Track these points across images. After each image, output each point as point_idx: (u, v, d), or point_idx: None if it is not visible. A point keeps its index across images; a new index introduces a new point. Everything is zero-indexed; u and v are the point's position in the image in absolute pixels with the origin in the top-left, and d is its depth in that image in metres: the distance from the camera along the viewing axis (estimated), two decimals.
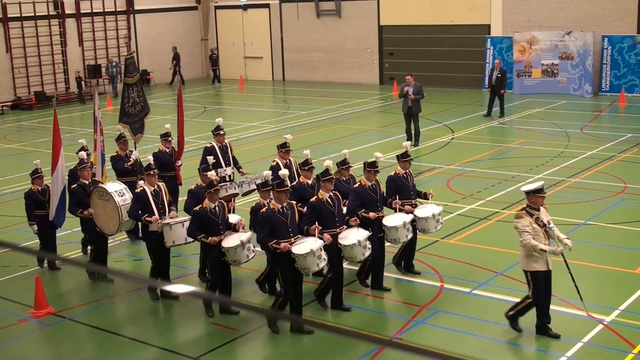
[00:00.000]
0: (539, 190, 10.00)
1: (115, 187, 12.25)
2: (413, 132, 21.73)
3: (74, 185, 12.60)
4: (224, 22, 40.48)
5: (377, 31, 35.39)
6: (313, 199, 10.91)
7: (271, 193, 10.92)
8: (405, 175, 12.15)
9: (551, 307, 11.13)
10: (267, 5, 38.55)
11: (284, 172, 11.24)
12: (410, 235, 11.67)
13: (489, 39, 32.17)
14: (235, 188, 13.25)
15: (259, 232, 10.47)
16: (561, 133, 23.12)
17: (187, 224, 11.19)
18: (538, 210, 9.97)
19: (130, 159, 14.06)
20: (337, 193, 11.09)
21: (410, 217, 11.68)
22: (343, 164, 12.23)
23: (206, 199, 10.94)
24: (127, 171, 13.96)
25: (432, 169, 19.17)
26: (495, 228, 14.64)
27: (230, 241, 10.79)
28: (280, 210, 10.39)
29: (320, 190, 10.97)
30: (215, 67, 38.25)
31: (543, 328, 10.11)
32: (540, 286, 9.95)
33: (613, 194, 16.51)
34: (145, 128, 15.82)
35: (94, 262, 12.74)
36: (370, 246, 10.88)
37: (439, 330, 10.69)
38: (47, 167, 13.68)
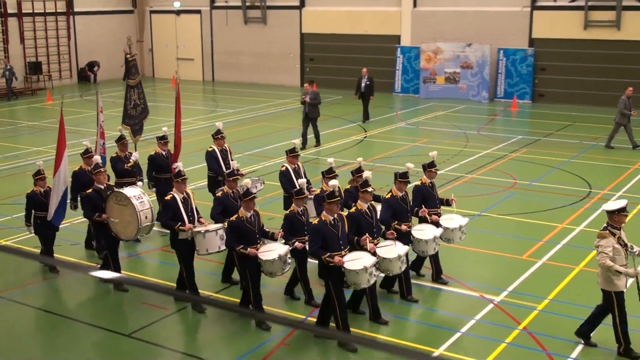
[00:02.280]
0: (623, 209, 9.04)
1: (133, 192, 11.12)
2: (314, 134, 21.40)
3: (89, 190, 11.39)
4: (158, 25, 39.78)
5: (299, 38, 35.35)
6: (352, 209, 10.05)
7: (305, 200, 10.34)
8: (431, 185, 11.35)
9: (448, 288, 11.41)
10: (198, 11, 38.07)
11: (302, 181, 10.81)
12: (437, 248, 10.90)
13: (399, 48, 32.49)
14: (254, 188, 12.32)
15: (310, 245, 9.51)
16: (461, 134, 23.53)
17: (220, 232, 10.35)
18: (619, 229, 9.09)
19: (130, 160, 13.16)
20: (374, 204, 10.30)
21: (440, 230, 10.85)
22: (358, 172, 11.49)
23: (241, 208, 9.91)
24: (126, 172, 13.03)
25: (346, 164, 19.26)
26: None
27: (269, 254, 9.84)
28: (332, 222, 9.45)
29: (359, 201, 10.03)
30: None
31: (586, 335, 9.51)
32: (623, 305, 9.14)
33: (505, 188, 16.91)
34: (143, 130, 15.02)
35: (114, 270, 11.32)
36: (406, 260, 10.19)
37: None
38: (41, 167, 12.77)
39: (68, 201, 12.21)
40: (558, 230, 14.13)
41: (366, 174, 10.42)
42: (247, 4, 36.30)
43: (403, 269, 10.05)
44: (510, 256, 12.57)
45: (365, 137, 23.15)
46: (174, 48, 39.46)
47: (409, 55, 32.20)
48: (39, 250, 12.20)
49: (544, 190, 16.86)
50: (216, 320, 10.47)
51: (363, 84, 25.09)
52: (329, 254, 9.29)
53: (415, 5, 32.17)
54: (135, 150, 14.04)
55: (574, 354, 9.32)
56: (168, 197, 10.56)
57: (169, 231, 10.85)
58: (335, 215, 9.49)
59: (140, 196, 11.08)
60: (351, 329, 9.70)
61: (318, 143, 21.51)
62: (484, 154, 20.31)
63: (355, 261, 9.35)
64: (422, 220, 11.06)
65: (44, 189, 11.89)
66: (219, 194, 11.23)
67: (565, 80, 29.44)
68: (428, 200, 11.19)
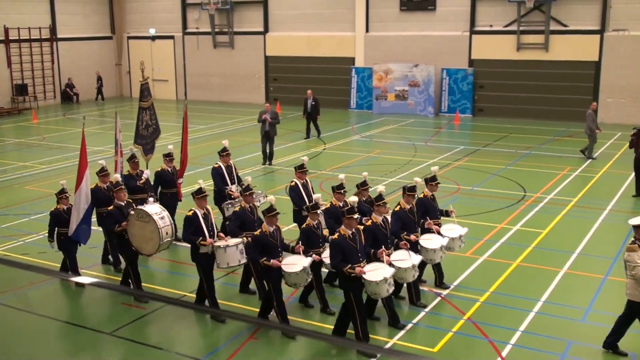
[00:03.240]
0: None
1: (155, 210, 10.63)
2: (268, 152, 20.59)
3: (110, 207, 10.96)
4: (135, 50, 39.36)
5: (263, 60, 35.29)
6: (368, 222, 9.63)
7: (319, 214, 9.97)
8: (432, 197, 10.99)
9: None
10: (172, 37, 37.77)
11: (317, 196, 10.39)
12: (444, 257, 10.62)
13: (354, 69, 32.63)
14: (258, 202, 11.94)
15: (332, 258, 9.08)
16: (410, 145, 23.67)
17: (240, 246, 9.94)
18: None
19: (142, 177, 12.70)
20: (387, 217, 9.86)
21: (446, 240, 10.56)
22: (363, 185, 11.17)
23: (264, 223, 9.58)
24: (138, 189, 12.43)
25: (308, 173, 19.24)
26: None
27: (293, 267, 9.49)
28: (351, 236, 9.06)
29: (374, 214, 9.66)
30: (99, 87, 37.55)
31: (614, 345, 9.09)
32: None
33: (450, 193, 17.04)
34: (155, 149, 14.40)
35: (135, 283, 10.86)
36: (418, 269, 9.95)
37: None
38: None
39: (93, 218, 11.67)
40: (497, 229, 14.28)
41: (380, 188, 10.01)
42: (216, 30, 36.18)
43: (416, 276, 9.89)
44: (455, 254, 12.65)
45: (324, 149, 23.16)
46: (150, 70, 39.08)
47: (363, 75, 32.35)
48: (60, 265, 11.74)
49: (484, 194, 17.03)
50: (184, 317, 10.33)
51: (309, 104, 24.33)
52: (349, 265, 8.94)
53: (367, 30, 32.36)
54: (147, 168, 13.56)
55: (513, 341, 9.41)
56: (190, 213, 10.08)
57: (189, 245, 10.29)
58: (354, 229, 9.12)
59: (161, 213, 10.61)
60: (370, 335, 9.46)
61: (270, 162, 20.58)
62: (431, 162, 20.44)
63: (374, 272, 9.06)
64: (425, 230, 10.73)
65: (67, 206, 11.33)
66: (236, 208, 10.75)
67: (501, 96, 29.85)
68: (430, 212, 10.87)
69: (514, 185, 17.72)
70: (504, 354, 9.03)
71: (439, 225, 10.91)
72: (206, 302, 10.24)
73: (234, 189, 12.79)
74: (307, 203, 11.39)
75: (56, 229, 11.35)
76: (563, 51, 28.32)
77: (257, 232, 9.59)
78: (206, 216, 10.14)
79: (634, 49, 27.09)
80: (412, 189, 10.48)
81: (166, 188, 13.25)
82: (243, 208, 10.50)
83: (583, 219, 14.96)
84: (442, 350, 8.98)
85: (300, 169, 12.06)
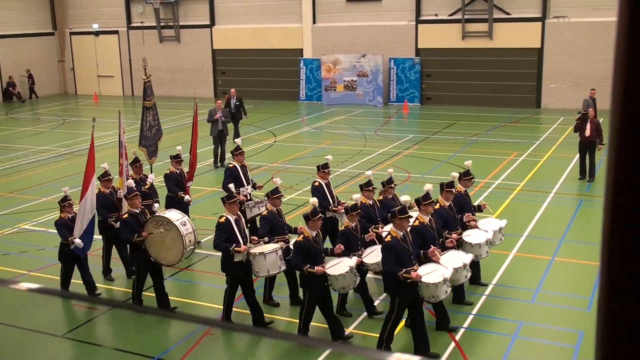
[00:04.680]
0: None
1: (176, 216, 9.97)
2: (220, 153, 19.47)
3: (125, 215, 10.15)
4: (78, 46, 38.52)
5: (211, 54, 34.96)
6: (416, 222, 9.00)
7: (354, 216, 9.36)
8: (465, 193, 10.62)
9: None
10: (116, 32, 37.08)
11: (357, 196, 9.81)
12: (489, 252, 10.08)
13: (302, 60, 32.59)
14: (260, 207, 11.47)
15: (385, 263, 8.45)
16: (360, 135, 23.79)
17: (279, 252, 9.29)
18: None
19: (147, 182, 11.89)
20: (432, 218, 9.35)
21: (491, 233, 10.02)
22: (389, 183, 10.72)
23: (306, 228, 8.94)
24: (144, 195, 11.28)
25: (260, 166, 19.18)
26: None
27: (338, 268, 8.89)
28: (402, 237, 8.49)
29: (420, 214, 9.14)
30: (31, 85, 36.33)
31: None
32: None
33: (400, 182, 17.17)
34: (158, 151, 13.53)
35: (137, 296, 10.20)
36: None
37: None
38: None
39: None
40: None
41: (427, 186, 9.41)
42: (162, 24, 35.65)
43: (468, 276, 9.39)
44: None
45: (275, 142, 23.09)
46: (95, 66, 38.31)
47: (311, 67, 32.33)
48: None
49: (435, 181, 17.10)
50: (138, 317, 10.19)
51: (232, 105, 22.03)
52: (404, 269, 8.31)
53: (314, 21, 32.34)
54: (152, 172, 12.80)
55: (466, 324, 9.55)
56: (222, 220, 9.37)
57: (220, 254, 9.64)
58: (406, 231, 8.55)
59: (184, 221, 9.95)
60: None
61: (222, 163, 19.25)
62: (381, 152, 20.60)
63: (431, 274, 8.49)
64: (464, 227, 10.25)
65: (72, 215, 10.51)
66: (264, 212, 10.10)
67: (448, 85, 30.23)
68: (464, 208, 10.45)
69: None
70: (457, 337, 9.17)
71: (475, 220, 10.48)
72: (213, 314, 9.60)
73: (249, 189, 12.07)
74: (332, 203, 10.99)
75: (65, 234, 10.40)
76: (506, 39, 28.82)
77: (299, 238, 8.93)
78: (238, 222, 9.51)
79: (574, 35, 27.75)
80: (450, 184, 10.07)
81: (174, 192, 12.40)
82: (271, 212, 9.90)
83: (530, 202, 15.29)
84: (397, 338, 9.05)
85: (324, 168, 11.45)
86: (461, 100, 29.86)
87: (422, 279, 8.36)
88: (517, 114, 27.18)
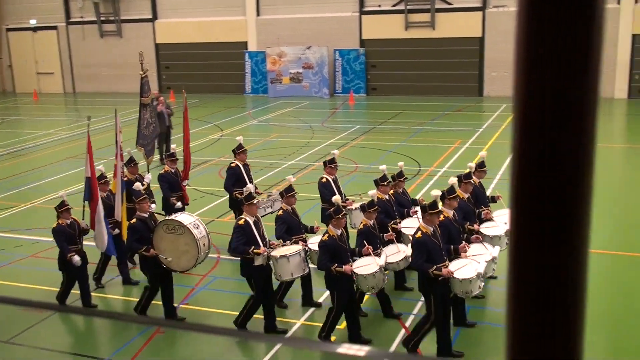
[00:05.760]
0: None
1: (189, 219, 9.42)
2: (165, 149, 18.11)
3: (133, 220, 9.48)
4: (15, 42, 37.40)
5: (154, 48, 34.40)
6: (441, 217, 8.58)
7: (373, 214, 8.92)
8: (480, 184, 10.34)
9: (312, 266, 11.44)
10: (55, 27, 36.13)
11: (373, 192, 9.40)
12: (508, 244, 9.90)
13: (247, 53, 32.38)
14: (270, 207, 11.01)
15: (416, 259, 8.13)
16: (307, 127, 23.79)
17: (302, 253, 8.93)
18: None
19: (144, 182, 11.14)
20: (455, 212, 9.05)
21: (507, 225, 9.72)
22: (400, 176, 10.40)
23: (330, 227, 8.51)
24: (140, 196, 10.30)
25: (206, 161, 19.00)
26: None
27: (366, 269, 8.53)
28: (432, 233, 8.20)
29: (445, 209, 8.75)
30: None
31: None
32: None
33: (348, 172, 17.26)
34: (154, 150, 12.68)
35: (143, 307, 9.61)
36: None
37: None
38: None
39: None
40: None
41: (452, 180, 9.17)
42: (102, 18, 34.90)
43: (495, 270, 9.01)
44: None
45: (221, 136, 22.89)
46: (33, 63, 37.27)
47: (256, 59, 32.16)
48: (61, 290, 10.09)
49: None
50: (87, 318, 10.00)
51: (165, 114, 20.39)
52: (435, 266, 8.02)
53: (258, 14, 32.15)
54: (148, 172, 12.13)
55: (415, 310, 9.66)
56: (241, 222, 8.91)
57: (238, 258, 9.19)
58: (435, 226, 8.27)
59: (196, 223, 9.41)
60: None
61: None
62: (328, 143, 20.65)
63: (463, 269, 8.20)
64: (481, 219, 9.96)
65: (70, 220, 9.77)
66: (279, 212, 9.63)
67: (393, 75, 30.47)
68: (480, 199, 10.18)
69: (410, 161, 18.16)
70: (407, 324, 9.27)
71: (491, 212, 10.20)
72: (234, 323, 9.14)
73: (252, 189, 11.16)
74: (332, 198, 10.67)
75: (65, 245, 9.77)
76: (448, 28, 29.19)
77: (324, 237, 8.51)
78: (257, 224, 9.02)
79: (514, 24, 28.21)
80: (468, 176, 9.87)
81: (171, 191, 11.79)
82: (286, 211, 9.51)
83: None
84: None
85: (331, 164, 11.08)
86: (406, 90, 30.13)
87: (456, 275, 8.08)
88: (460, 102, 27.59)
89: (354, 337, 8.67)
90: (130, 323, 9.68)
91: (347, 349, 1.68)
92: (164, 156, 18.44)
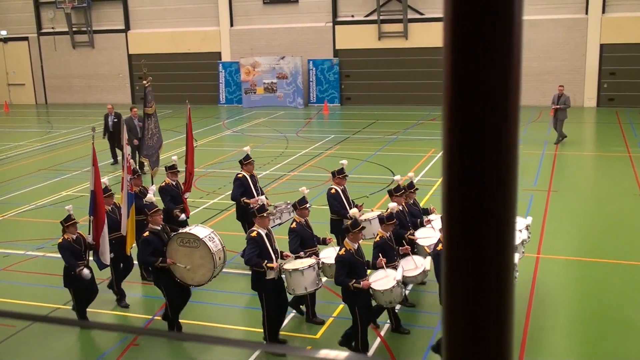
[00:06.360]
0: None
1: (204, 232, 9.18)
2: (138, 160, 17.50)
3: (146, 233, 9.22)
4: None
5: (127, 59, 34.20)
6: (377, 238, 8.78)
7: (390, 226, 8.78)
8: (414, 203, 10.50)
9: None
10: (25, 38, 35.74)
11: (393, 205, 9.29)
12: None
13: (221, 64, 32.33)
14: (278, 218, 10.74)
15: (438, 271, 7.86)
16: (282, 137, 23.79)
17: (316, 267, 8.73)
18: None
19: (148, 194, 10.68)
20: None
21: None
22: (410, 187, 10.30)
23: (347, 240, 8.35)
24: (143, 208, 10.13)
25: (180, 172, 18.84)
26: (233, 216, 14.70)
27: (384, 282, 8.31)
28: (356, 250, 8.24)
29: (381, 230, 8.84)
30: None
31: None
32: None
33: (323, 182, 17.27)
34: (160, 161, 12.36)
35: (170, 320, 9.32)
36: None
37: None
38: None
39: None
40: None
41: (397, 177, 9.34)
42: (74, 29, 34.62)
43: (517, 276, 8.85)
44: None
45: (195, 146, 22.74)
46: (4, 74, 36.80)
47: (230, 70, 32.12)
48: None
49: (357, 180, 17.41)
50: (61, 330, 9.86)
51: (110, 122, 19.67)
52: (355, 280, 8.09)
53: (232, 24, 32.14)
54: (152, 184, 11.79)
55: (386, 318, 9.69)
56: (254, 234, 8.72)
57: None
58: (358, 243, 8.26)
59: (211, 236, 9.19)
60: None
61: (143, 170, 17.77)
62: (303, 153, 20.66)
63: (381, 281, 8.29)
64: None
65: (75, 235, 9.44)
66: (293, 225, 9.42)
67: (367, 84, 30.64)
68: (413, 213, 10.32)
69: (384, 170, 18.25)
70: (382, 333, 9.28)
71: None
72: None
73: (263, 200, 10.94)
74: (349, 211, 10.42)
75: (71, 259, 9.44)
76: (421, 38, 29.45)
77: (341, 252, 8.33)
78: (269, 236, 8.87)
79: None
80: (398, 189, 9.95)
81: (170, 209, 11.41)
82: (300, 223, 9.34)
83: None
84: (324, 336, 9.09)
85: (340, 174, 10.92)
86: (380, 100, 30.30)
87: (375, 287, 8.13)
88: (434, 111, 27.80)
89: (365, 350, 8.44)
90: (109, 333, 9.55)
91: (325, 355, 1.69)
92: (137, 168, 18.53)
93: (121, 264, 10.45)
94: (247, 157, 11.77)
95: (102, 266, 9.88)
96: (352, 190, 16.35)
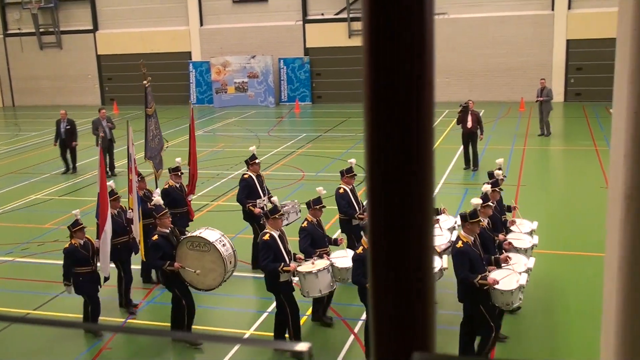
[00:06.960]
0: None
1: (214, 236, 9.05)
2: (108, 163, 17.84)
3: (155, 237, 9.06)
4: None
5: (95, 59, 33.85)
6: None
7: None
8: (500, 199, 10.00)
9: (252, 274, 11.41)
10: None
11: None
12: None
13: (191, 64, 32.16)
14: (285, 219, 10.47)
15: (460, 270, 7.87)
16: (253, 136, 23.76)
17: (330, 268, 8.64)
18: None
19: (153, 198, 10.55)
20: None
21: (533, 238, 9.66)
22: (495, 185, 9.75)
23: (364, 239, 8.06)
24: (149, 212, 10.01)
25: (152, 173, 18.73)
26: (207, 217, 14.70)
27: (507, 283, 8.07)
28: (473, 242, 7.98)
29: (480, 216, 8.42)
30: None
31: None
32: None
33: (296, 180, 17.32)
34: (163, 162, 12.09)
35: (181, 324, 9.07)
36: None
37: None
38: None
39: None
40: None
41: (485, 187, 9.09)
42: (41, 30, 34.17)
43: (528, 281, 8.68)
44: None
45: (167, 147, 22.62)
46: None
47: (201, 69, 31.96)
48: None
49: (328, 179, 17.45)
50: (37, 334, 9.76)
51: (62, 129, 18.96)
52: (480, 276, 7.81)
53: (202, 24, 31.98)
54: (157, 187, 11.48)
55: (364, 316, 9.75)
56: (267, 237, 8.59)
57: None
58: (475, 235, 8.01)
59: (222, 240, 9.06)
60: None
61: (113, 172, 18.15)
62: (275, 152, 20.66)
63: (503, 281, 7.94)
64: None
65: (83, 240, 9.24)
66: (304, 224, 9.33)
67: (338, 82, 30.71)
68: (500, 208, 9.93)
69: (356, 168, 18.27)
70: (356, 329, 9.34)
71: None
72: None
73: (266, 201, 11.11)
74: (358, 211, 10.42)
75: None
76: None
77: (359, 250, 8.17)
78: (282, 238, 8.76)
79: (453, 31, 28.85)
80: (495, 183, 9.68)
81: (175, 207, 11.20)
82: (311, 223, 9.25)
83: None
84: (302, 333, 9.10)
85: (348, 174, 10.84)
86: (351, 98, 30.40)
87: (498, 286, 7.87)
88: None
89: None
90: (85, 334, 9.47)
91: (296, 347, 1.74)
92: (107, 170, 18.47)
93: (127, 269, 10.26)
94: (253, 156, 11.62)
95: (104, 278, 9.60)
96: (326, 187, 16.41)
